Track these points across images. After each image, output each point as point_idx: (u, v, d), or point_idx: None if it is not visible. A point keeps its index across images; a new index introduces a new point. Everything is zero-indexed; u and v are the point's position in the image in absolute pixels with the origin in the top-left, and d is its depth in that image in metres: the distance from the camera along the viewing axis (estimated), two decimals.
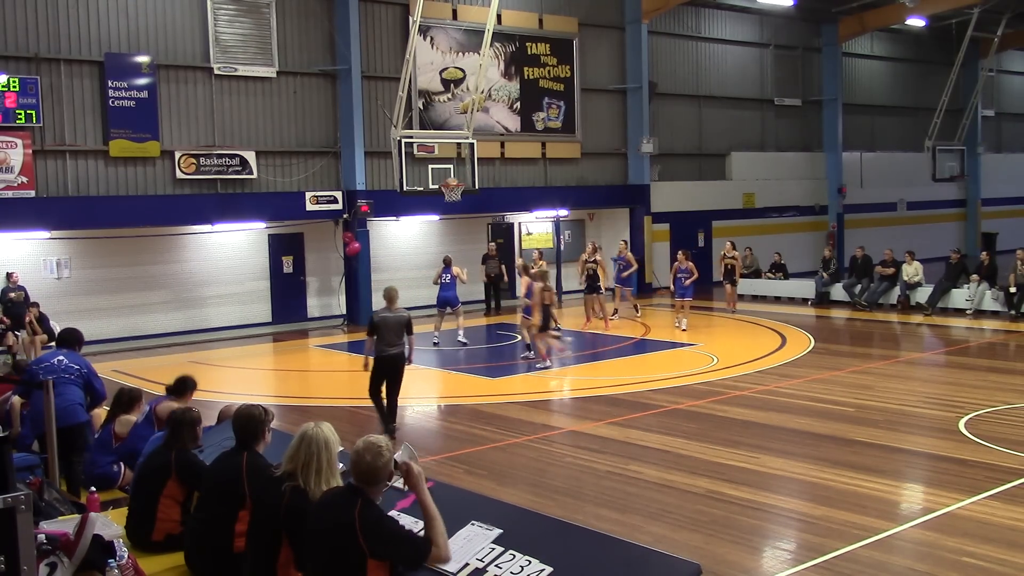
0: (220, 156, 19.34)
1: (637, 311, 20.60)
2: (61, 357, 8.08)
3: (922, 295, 20.41)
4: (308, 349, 18.60)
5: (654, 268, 26.27)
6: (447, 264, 17.70)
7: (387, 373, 10.73)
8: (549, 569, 4.33)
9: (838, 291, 21.95)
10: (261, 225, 20.23)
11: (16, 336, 15.82)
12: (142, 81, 18.24)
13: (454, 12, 22.55)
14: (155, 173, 18.68)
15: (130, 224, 18.38)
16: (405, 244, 22.54)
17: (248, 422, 5.26)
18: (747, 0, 28.23)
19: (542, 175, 24.61)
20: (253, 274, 20.46)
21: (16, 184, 16.95)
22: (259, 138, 20.00)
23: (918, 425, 10.67)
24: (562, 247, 24.89)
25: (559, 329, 18.85)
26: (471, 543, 4.65)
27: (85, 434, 7.80)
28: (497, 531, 4.69)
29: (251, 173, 19.70)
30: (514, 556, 4.47)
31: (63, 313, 17.33)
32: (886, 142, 33.55)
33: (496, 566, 4.45)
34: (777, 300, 22.81)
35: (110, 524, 4.57)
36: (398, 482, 5.21)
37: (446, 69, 22.58)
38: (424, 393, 13.78)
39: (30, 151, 17.09)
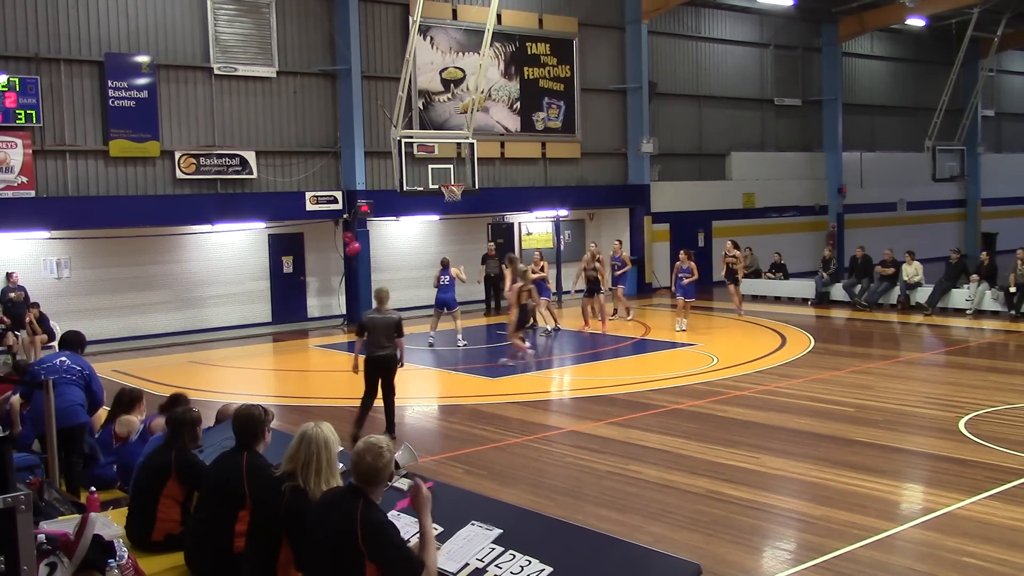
0: (220, 156, 19.34)
1: (628, 314, 20.26)
2: (63, 358, 8.09)
3: (922, 295, 20.41)
4: (308, 349, 18.60)
5: (654, 268, 26.27)
6: (445, 266, 17.70)
7: (378, 374, 10.60)
8: (549, 569, 4.33)
9: (838, 291, 21.95)
10: (261, 225, 20.23)
11: (16, 336, 15.82)
12: (142, 81, 18.24)
13: (454, 12, 22.55)
14: (155, 173, 18.69)
15: (130, 224, 18.38)
16: (405, 244, 22.54)
17: (248, 422, 5.26)
18: (747, 0, 28.24)
19: (542, 175, 24.61)
20: (253, 274, 20.46)
21: (16, 184, 16.95)
22: (259, 138, 20.00)
23: (918, 425, 10.67)
24: (562, 247, 24.89)
25: (558, 329, 18.91)
26: (471, 543, 4.65)
27: (85, 435, 7.80)
28: (497, 531, 4.69)
29: (251, 173, 19.70)
30: (514, 556, 4.47)
31: (63, 313, 17.35)
32: (886, 142, 33.54)
33: (496, 566, 4.45)
34: (777, 300, 22.82)
35: (110, 524, 4.57)
36: (398, 482, 5.22)
37: (446, 69, 22.59)
38: (424, 393, 13.80)
39: (30, 151, 17.09)
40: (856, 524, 7.35)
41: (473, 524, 4.78)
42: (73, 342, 8.40)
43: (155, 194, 18.59)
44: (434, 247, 22.15)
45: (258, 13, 19.84)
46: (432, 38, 22.25)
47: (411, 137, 19.99)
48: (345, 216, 20.73)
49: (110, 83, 17.89)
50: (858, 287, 21.42)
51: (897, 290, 20.92)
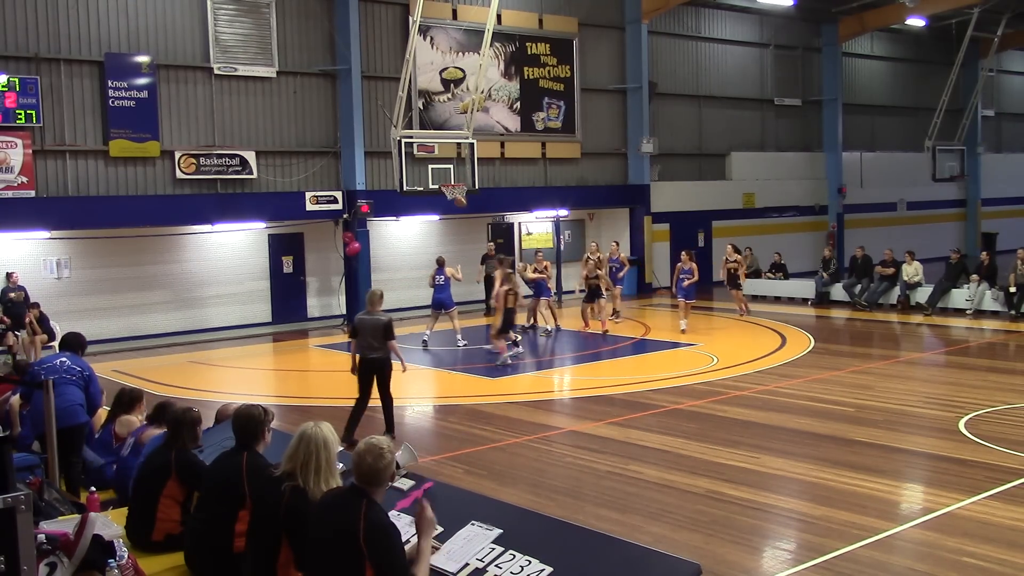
0: (220, 156, 19.34)
1: (617, 317, 19.74)
2: (63, 359, 8.11)
3: (922, 295, 20.41)
4: (308, 349, 18.60)
5: (654, 268, 26.27)
6: (440, 265, 17.62)
7: (369, 377, 10.52)
8: (549, 569, 4.33)
9: (838, 291, 21.94)
10: (261, 225, 20.23)
11: (16, 336, 15.82)
12: (142, 81, 18.24)
13: (454, 12, 22.55)
14: (155, 173, 18.69)
15: (130, 224, 18.38)
16: (405, 244, 22.54)
17: (248, 422, 5.26)
18: (747, 0, 28.24)
19: (542, 175, 24.61)
20: (253, 274, 20.46)
21: (16, 184, 16.95)
22: (259, 138, 20.00)
23: (918, 425, 10.67)
24: (562, 247, 24.88)
25: (558, 329, 18.89)
26: (471, 543, 4.65)
27: (84, 435, 7.81)
28: (497, 531, 4.69)
29: (251, 173, 19.70)
30: (514, 556, 4.47)
31: (63, 313, 17.35)
32: (886, 142, 33.55)
33: (496, 566, 4.44)
34: (777, 300, 22.81)
35: (110, 524, 4.57)
36: (398, 482, 5.22)
37: (446, 69, 22.59)
38: (423, 393, 13.80)
39: (30, 151, 17.09)
40: (856, 524, 7.35)
41: (473, 524, 4.77)
42: (73, 344, 8.42)
43: (155, 194, 18.59)
44: (434, 247, 22.14)
45: (258, 13, 19.84)
46: (432, 38, 22.26)
47: (411, 137, 19.99)
48: (345, 216, 20.73)
49: (110, 83, 17.89)
50: (858, 287, 21.42)
51: (897, 290, 20.92)
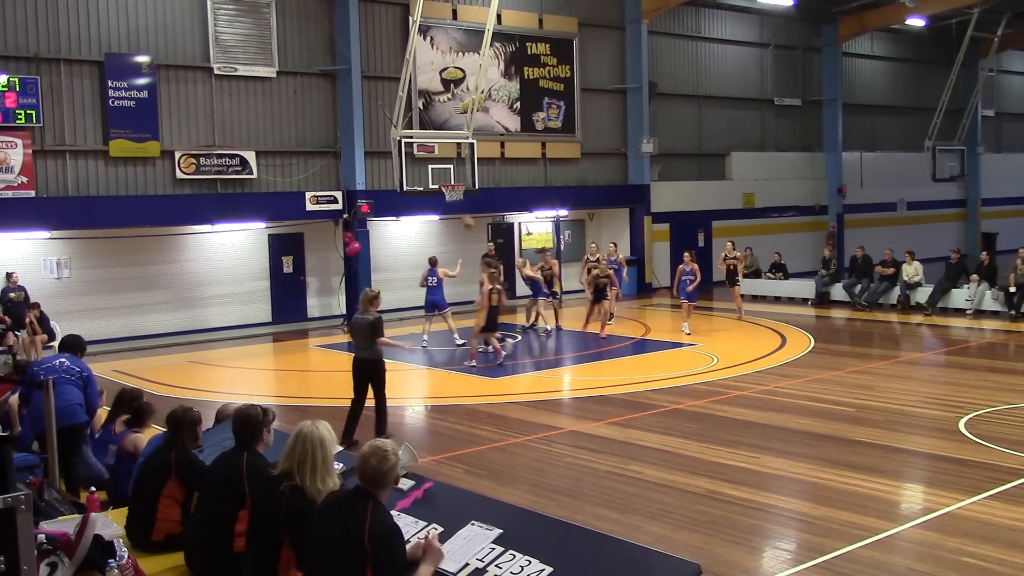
0: (220, 156, 19.34)
1: (611, 319, 19.30)
2: (63, 360, 8.15)
3: (922, 295, 20.41)
4: (308, 349, 18.60)
5: (654, 268, 26.27)
6: (432, 265, 17.46)
7: (360, 377, 10.47)
8: (549, 569, 4.32)
9: (838, 291, 21.95)
10: (261, 225, 20.23)
11: (16, 336, 15.81)
12: (142, 81, 18.24)
13: (454, 12, 22.56)
14: (155, 173, 18.69)
15: (130, 224, 18.38)
16: (405, 244, 22.53)
17: (247, 422, 5.27)
18: (747, 0, 28.24)
19: (542, 175, 24.61)
20: (253, 274, 20.46)
21: (16, 184, 16.96)
22: (259, 138, 20.00)
23: (918, 425, 10.67)
24: (562, 247, 24.88)
25: (559, 329, 18.88)
26: (471, 543, 4.64)
27: (84, 435, 7.81)
28: (497, 531, 4.68)
29: (251, 173, 19.71)
30: (514, 556, 4.47)
31: (63, 313, 17.35)
32: (886, 142, 33.55)
33: (496, 566, 4.44)
34: (777, 300, 22.82)
35: (110, 524, 4.57)
36: (399, 483, 5.21)
37: (446, 69, 22.59)
38: (423, 393, 13.80)
39: (30, 151, 17.09)
40: (856, 524, 7.35)
41: (473, 524, 4.77)
42: (73, 345, 8.45)
43: (155, 194, 18.59)
44: (434, 247, 22.10)
45: (258, 13, 19.84)
46: (432, 38, 22.26)
47: (411, 137, 19.98)
48: (345, 216, 20.73)
49: (110, 83, 17.89)
50: (858, 287, 21.42)
51: (897, 290, 20.92)
